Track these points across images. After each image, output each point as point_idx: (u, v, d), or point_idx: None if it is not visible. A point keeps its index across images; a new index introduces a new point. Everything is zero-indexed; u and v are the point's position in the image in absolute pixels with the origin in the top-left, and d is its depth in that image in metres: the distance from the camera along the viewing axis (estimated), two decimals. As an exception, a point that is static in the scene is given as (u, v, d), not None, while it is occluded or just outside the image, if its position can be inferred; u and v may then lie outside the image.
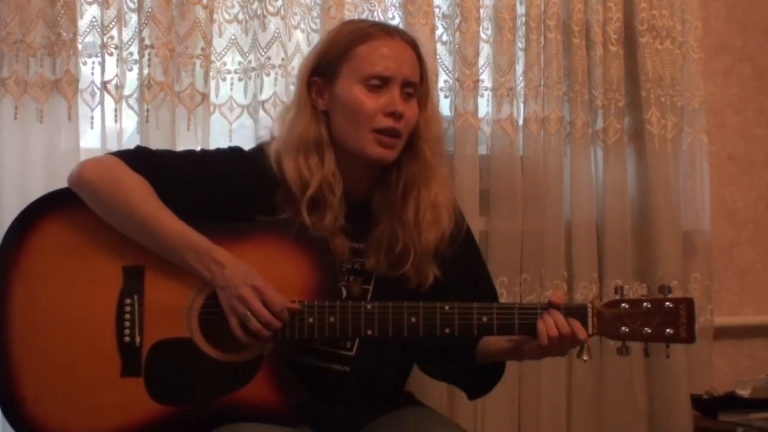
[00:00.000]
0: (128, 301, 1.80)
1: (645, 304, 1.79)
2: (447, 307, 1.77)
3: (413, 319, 1.76)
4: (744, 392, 2.73)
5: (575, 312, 1.79)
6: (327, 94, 1.87)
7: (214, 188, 1.85)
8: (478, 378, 1.99)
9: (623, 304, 1.80)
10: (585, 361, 1.81)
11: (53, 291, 1.81)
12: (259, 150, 1.92)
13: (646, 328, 1.78)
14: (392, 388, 1.97)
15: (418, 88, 1.89)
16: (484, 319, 1.77)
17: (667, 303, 1.79)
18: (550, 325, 1.76)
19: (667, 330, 1.78)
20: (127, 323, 1.79)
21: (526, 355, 1.85)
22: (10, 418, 1.80)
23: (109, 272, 1.81)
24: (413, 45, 1.91)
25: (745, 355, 3.05)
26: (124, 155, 1.86)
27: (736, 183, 3.09)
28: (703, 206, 2.85)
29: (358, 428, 1.88)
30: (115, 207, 1.80)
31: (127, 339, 1.79)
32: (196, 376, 1.78)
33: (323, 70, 1.88)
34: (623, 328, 1.79)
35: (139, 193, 1.80)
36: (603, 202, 2.72)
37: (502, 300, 2.51)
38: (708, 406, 2.73)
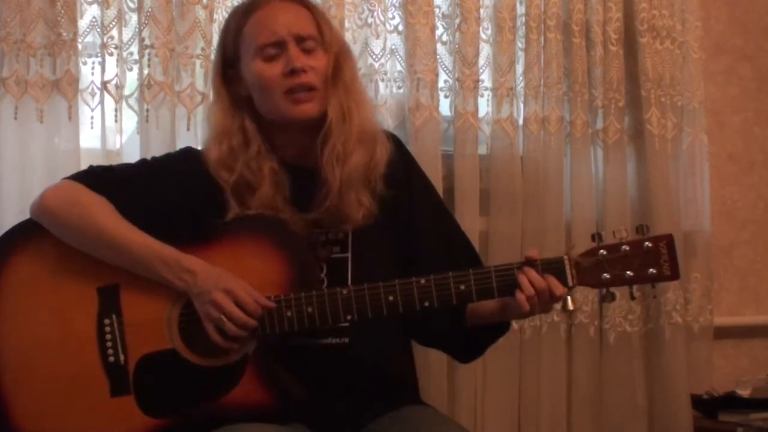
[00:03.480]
0: (107, 321, 1.80)
1: (623, 247, 1.74)
2: (423, 281, 1.75)
3: (391, 298, 1.75)
4: (744, 392, 2.73)
5: (552, 266, 1.76)
6: (242, 79, 1.89)
7: (169, 192, 1.86)
8: (470, 340, 1.97)
9: (601, 251, 1.75)
10: (571, 311, 1.78)
11: (33, 322, 1.81)
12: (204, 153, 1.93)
13: (627, 272, 1.74)
14: (393, 360, 1.95)
15: (318, 39, 1.88)
16: (462, 287, 1.75)
17: (647, 243, 1.74)
18: (525, 284, 1.74)
19: (650, 270, 1.74)
20: (109, 343, 1.79)
21: (512, 315, 1.84)
22: None
23: (85, 295, 1.81)
24: (298, 0, 1.91)
25: (745, 355, 3.05)
26: (79, 177, 1.87)
27: (736, 183, 3.09)
28: (703, 206, 2.85)
29: (358, 428, 1.87)
30: (80, 230, 1.80)
31: (111, 359, 1.79)
32: (184, 386, 1.77)
33: (230, 60, 1.90)
34: (604, 274, 1.74)
35: (101, 213, 1.81)
36: (603, 202, 2.72)
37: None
38: (708, 406, 2.72)
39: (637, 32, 2.73)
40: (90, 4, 2.25)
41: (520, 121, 2.64)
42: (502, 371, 2.60)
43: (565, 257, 1.77)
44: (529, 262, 1.76)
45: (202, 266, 1.76)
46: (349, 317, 1.75)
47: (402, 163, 1.96)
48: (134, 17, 2.27)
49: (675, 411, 2.73)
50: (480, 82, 2.59)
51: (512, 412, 2.62)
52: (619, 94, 2.72)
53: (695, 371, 2.80)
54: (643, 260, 1.74)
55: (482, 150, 2.61)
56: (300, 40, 1.86)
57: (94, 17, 2.26)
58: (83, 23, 2.24)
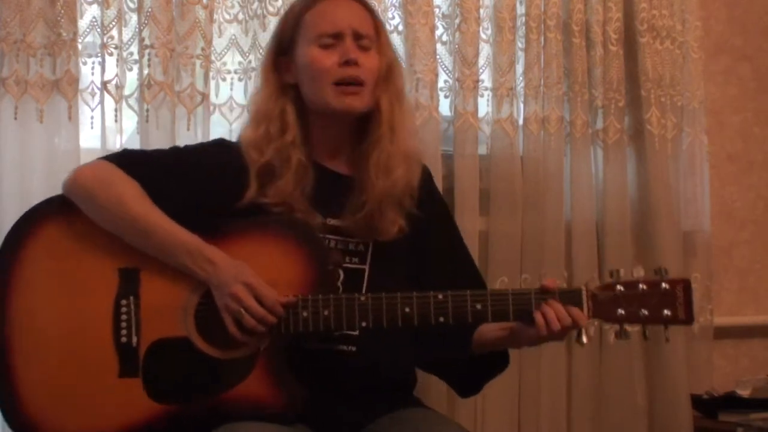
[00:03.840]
0: (124, 302, 1.80)
1: (641, 285, 1.76)
2: (440, 296, 1.77)
3: (407, 309, 1.76)
4: (744, 392, 2.73)
5: (569, 296, 1.77)
6: (292, 66, 1.93)
7: (202, 180, 1.87)
8: (471, 371, 1.99)
9: (618, 287, 1.76)
10: (584, 344, 1.78)
11: (50, 296, 1.82)
12: (238, 139, 1.97)
13: (643, 310, 1.75)
14: (398, 372, 1.96)
15: (375, 40, 1.93)
16: (478, 306, 1.76)
17: (664, 284, 1.75)
18: (551, 318, 1.75)
19: (665, 311, 1.75)
20: (123, 324, 1.80)
21: (523, 342, 1.85)
22: (10, 422, 1.80)
23: (105, 274, 1.82)
24: (360, 1, 1.96)
25: (745, 355, 3.05)
26: (114, 158, 1.89)
27: (736, 183, 3.09)
28: (703, 206, 2.85)
29: (358, 428, 1.87)
30: (109, 210, 1.81)
31: (124, 340, 1.79)
32: (193, 375, 1.78)
33: (284, 48, 1.94)
34: (620, 310, 1.75)
35: (131, 196, 1.82)
36: (603, 202, 2.72)
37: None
38: (708, 406, 2.73)
39: (637, 32, 2.73)
40: (90, 4, 2.25)
41: (520, 121, 2.64)
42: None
43: (583, 288, 1.78)
44: (546, 291, 1.77)
45: (224, 258, 1.77)
46: (363, 324, 1.76)
47: (426, 187, 2.00)
48: (134, 17, 2.27)
49: (675, 411, 2.73)
50: (480, 82, 2.59)
51: (512, 412, 2.62)
52: (619, 94, 2.72)
53: (695, 371, 2.80)
54: (659, 301, 1.75)
55: (482, 150, 2.61)
56: (358, 36, 1.90)
57: (94, 17, 2.26)
58: (83, 23, 2.24)
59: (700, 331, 2.81)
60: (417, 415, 1.89)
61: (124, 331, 1.79)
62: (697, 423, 2.73)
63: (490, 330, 1.89)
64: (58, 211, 1.85)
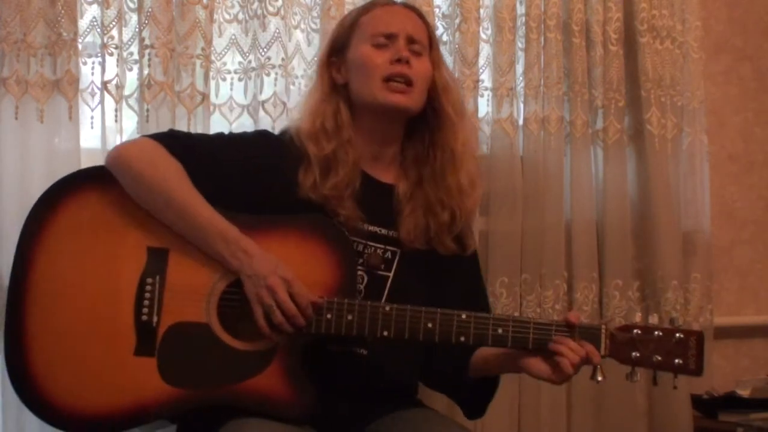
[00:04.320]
0: (149, 280, 1.81)
1: (656, 332, 1.81)
2: (464, 316, 1.79)
3: (429, 325, 1.78)
4: (744, 392, 2.73)
5: (589, 333, 1.80)
6: (343, 67, 1.97)
7: (246, 168, 1.88)
8: (475, 394, 2.00)
9: (635, 330, 1.81)
10: (599, 382, 1.82)
11: (76, 264, 1.82)
12: (284, 131, 2.00)
13: (656, 356, 1.80)
14: (405, 376, 1.97)
15: (427, 49, 1.98)
16: (500, 330, 1.79)
17: (678, 334, 1.81)
18: (567, 353, 1.77)
19: (677, 360, 1.80)
20: (146, 302, 1.80)
21: (526, 369, 1.85)
22: (21, 392, 1.79)
23: (134, 251, 1.82)
24: (416, 11, 2.03)
25: (745, 355, 3.06)
26: (160, 138, 1.89)
27: (736, 183, 3.09)
28: (703, 206, 2.85)
29: (360, 428, 1.87)
30: (150, 188, 1.82)
31: (144, 318, 1.79)
32: (208, 362, 1.78)
33: (338, 49, 1.99)
34: (634, 353, 1.81)
35: (174, 177, 1.83)
36: (603, 202, 2.72)
37: (502, 299, 2.54)
38: (708, 406, 2.73)
39: (637, 32, 2.73)
40: (90, 4, 2.25)
41: (520, 121, 2.64)
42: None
43: (603, 327, 1.81)
44: (568, 325, 1.80)
45: (260, 251, 1.78)
46: (385, 333, 1.78)
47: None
48: (134, 17, 2.27)
49: (675, 411, 2.73)
50: (480, 82, 2.59)
51: (512, 412, 2.62)
52: (619, 94, 2.72)
53: (695, 371, 2.79)
54: (672, 349, 1.80)
55: (482, 150, 2.61)
56: (411, 41, 1.95)
57: (94, 17, 2.26)
58: (83, 23, 2.25)
59: (700, 331, 2.81)
60: (418, 415, 1.90)
61: (145, 310, 1.80)
62: (697, 423, 2.73)
63: (490, 352, 1.90)
64: (98, 181, 1.86)
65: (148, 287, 1.81)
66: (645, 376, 2.72)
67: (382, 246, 1.92)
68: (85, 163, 2.01)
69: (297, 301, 1.75)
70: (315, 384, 1.78)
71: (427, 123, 1.98)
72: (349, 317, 1.77)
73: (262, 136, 2.01)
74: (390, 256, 1.93)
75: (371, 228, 1.92)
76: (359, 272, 1.89)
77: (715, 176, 2.94)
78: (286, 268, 1.77)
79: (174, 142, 1.88)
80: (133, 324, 1.79)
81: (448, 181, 1.95)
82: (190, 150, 1.87)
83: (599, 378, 1.81)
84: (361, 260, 1.90)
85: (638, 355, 1.80)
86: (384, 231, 1.93)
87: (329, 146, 1.90)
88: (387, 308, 1.78)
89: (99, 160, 2.13)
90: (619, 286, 2.70)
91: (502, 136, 2.61)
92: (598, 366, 1.80)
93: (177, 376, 1.78)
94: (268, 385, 1.77)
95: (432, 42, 2.01)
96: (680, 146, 2.80)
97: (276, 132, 2.06)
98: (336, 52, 1.98)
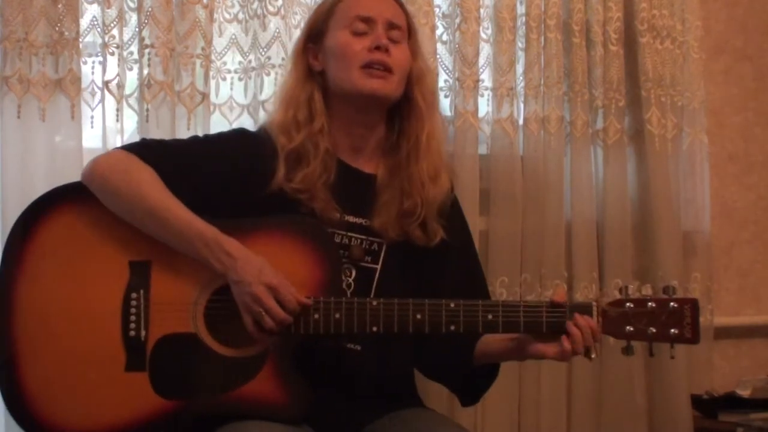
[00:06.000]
0: (134, 295, 1.80)
1: (650, 303, 1.79)
2: (452, 305, 1.77)
3: (418, 316, 1.76)
4: (744, 392, 2.73)
5: (580, 311, 1.79)
6: (320, 53, 1.95)
7: (223, 170, 1.87)
8: (472, 382, 1.99)
9: (628, 304, 1.79)
10: (592, 359, 1.81)
11: (59, 285, 1.81)
12: (261, 127, 1.99)
13: (651, 328, 1.78)
14: (400, 372, 1.97)
15: (406, 36, 1.96)
16: (490, 316, 1.77)
17: (672, 303, 1.78)
18: (573, 330, 1.76)
19: (672, 330, 1.78)
20: (132, 317, 1.79)
21: (528, 355, 1.85)
22: (14, 412, 1.79)
23: (116, 267, 1.81)
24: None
25: (745, 355, 3.05)
26: (132, 148, 1.88)
27: (736, 183, 3.09)
28: (703, 206, 2.85)
29: (359, 428, 1.87)
30: (127, 198, 1.81)
31: (132, 333, 1.79)
32: (200, 372, 1.78)
33: (314, 34, 1.96)
34: (628, 327, 1.78)
35: (149, 184, 1.81)
36: (603, 202, 2.72)
37: (502, 299, 2.53)
38: (708, 406, 2.73)
39: (637, 32, 2.73)
40: (90, 3, 2.25)
41: (520, 121, 2.64)
42: (502, 371, 2.57)
43: (594, 303, 1.80)
44: (557, 305, 1.79)
45: (243, 253, 1.76)
46: (375, 329, 1.77)
47: (455, 204, 2.03)
48: (134, 17, 2.28)
49: (675, 411, 2.73)
50: (480, 82, 2.59)
51: (512, 412, 2.62)
52: (619, 94, 2.72)
53: (695, 371, 2.79)
54: (667, 319, 1.78)
55: (482, 150, 2.61)
56: (390, 26, 1.92)
57: (94, 17, 2.26)
58: (83, 23, 2.25)
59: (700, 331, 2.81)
60: (417, 415, 1.90)
61: (132, 325, 1.79)
62: (697, 423, 2.73)
63: (495, 341, 1.90)
64: (75, 198, 1.85)
65: (134, 302, 1.80)
66: (643, 377, 2.76)
67: (364, 237, 1.91)
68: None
69: (285, 306, 1.73)
70: (310, 383, 1.78)
71: (399, 111, 1.96)
72: (337, 315, 1.76)
73: (238, 135, 1.98)
74: (376, 248, 1.91)
75: (349, 219, 1.90)
76: (345, 265, 1.88)
77: (715, 176, 2.94)
78: (271, 272, 1.75)
79: (146, 151, 1.86)
80: (122, 340, 1.79)
81: (411, 170, 1.92)
82: (164, 158, 1.86)
83: (593, 355, 1.79)
84: (345, 253, 1.88)
85: (632, 329, 1.78)
86: (361, 221, 1.91)
87: (299, 137, 1.88)
88: (374, 303, 1.77)
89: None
90: (619, 285, 2.65)
91: (502, 136, 2.61)
92: (594, 344, 1.78)
93: (170, 389, 1.77)
94: (261, 389, 1.76)
95: (411, 30, 1.99)
96: (680, 146, 2.80)
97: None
98: (313, 39, 1.96)
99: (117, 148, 1.92)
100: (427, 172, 1.92)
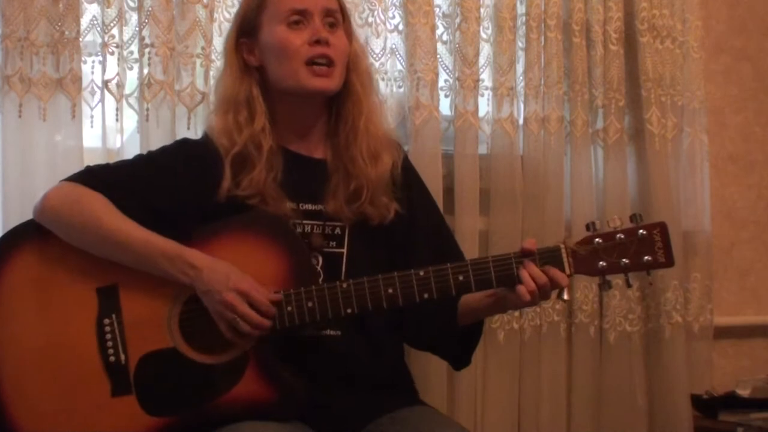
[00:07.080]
0: (107, 321, 1.79)
1: (618, 235, 1.76)
2: (422, 272, 1.76)
3: (390, 290, 1.75)
4: (744, 392, 2.73)
5: (549, 255, 1.76)
6: (256, 49, 1.92)
7: (169, 182, 1.86)
8: (462, 344, 1.98)
9: (596, 239, 1.76)
10: (565, 300, 1.80)
11: (32, 324, 1.81)
12: (204, 132, 1.96)
13: (623, 260, 1.75)
14: (385, 355, 1.95)
15: (341, 19, 1.93)
16: (461, 277, 1.76)
17: (641, 231, 1.76)
18: (527, 279, 1.74)
19: (645, 257, 1.76)
20: (109, 343, 1.79)
21: (509, 306, 1.85)
22: None
23: (84, 297, 1.80)
24: None
25: (745, 355, 3.05)
26: (78, 178, 1.88)
27: (736, 183, 3.09)
28: (703, 206, 2.85)
29: (358, 428, 1.87)
30: (82, 228, 1.80)
31: (112, 359, 1.78)
32: (186, 384, 1.77)
33: (247, 29, 1.93)
34: (601, 263, 1.76)
35: (102, 210, 1.81)
36: (603, 202, 2.72)
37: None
38: (708, 406, 2.73)
39: (637, 32, 2.73)
40: (90, 2, 2.25)
41: (521, 121, 2.64)
42: (502, 371, 2.60)
43: (562, 246, 1.78)
44: (527, 253, 1.77)
45: (208, 262, 1.75)
46: (349, 310, 1.76)
47: (406, 168, 2.00)
48: (134, 16, 2.27)
49: (675, 411, 2.73)
50: (480, 82, 2.59)
51: (512, 412, 2.62)
52: (620, 94, 2.72)
53: (695, 371, 2.80)
54: (638, 248, 1.76)
55: (482, 149, 2.61)
56: (326, 14, 1.89)
57: (94, 16, 2.26)
58: (83, 22, 2.24)
59: (700, 331, 2.81)
60: (417, 414, 1.89)
61: (111, 351, 1.78)
62: (697, 423, 2.73)
63: (475, 299, 1.88)
64: (32, 238, 1.84)
65: (107, 327, 1.79)
66: (643, 377, 2.76)
67: (322, 222, 1.89)
68: (88, 162, 2.00)
69: (259, 309, 1.72)
70: (297, 376, 1.77)
71: (336, 96, 1.93)
72: (310, 304, 1.74)
73: (181, 146, 1.97)
74: (339, 232, 1.90)
75: (306, 207, 1.89)
76: (311, 254, 1.86)
77: (715, 176, 2.94)
78: (238, 276, 1.74)
79: (92, 178, 1.86)
80: (103, 367, 1.78)
81: (352, 153, 1.90)
82: (111, 182, 1.85)
83: (565, 297, 1.78)
84: (307, 242, 1.87)
85: (605, 264, 1.76)
86: (317, 207, 1.90)
87: (241, 139, 1.85)
88: (344, 285, 1.76)
89: (100, 159, 2.15)
90: (619, 285, 2.68)
91: (502, 135, 2.61)
92: (564, 286, 1.76)
93: (160, 406, 1.77)
94: (249, 391, 1.75)
95: (344, 12, 1.96)
96: (680, 146, 2.80)
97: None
98: (245, 34, 1.92)
99: (63, 180, 1.90)
100: (367, 153, 1.90)
